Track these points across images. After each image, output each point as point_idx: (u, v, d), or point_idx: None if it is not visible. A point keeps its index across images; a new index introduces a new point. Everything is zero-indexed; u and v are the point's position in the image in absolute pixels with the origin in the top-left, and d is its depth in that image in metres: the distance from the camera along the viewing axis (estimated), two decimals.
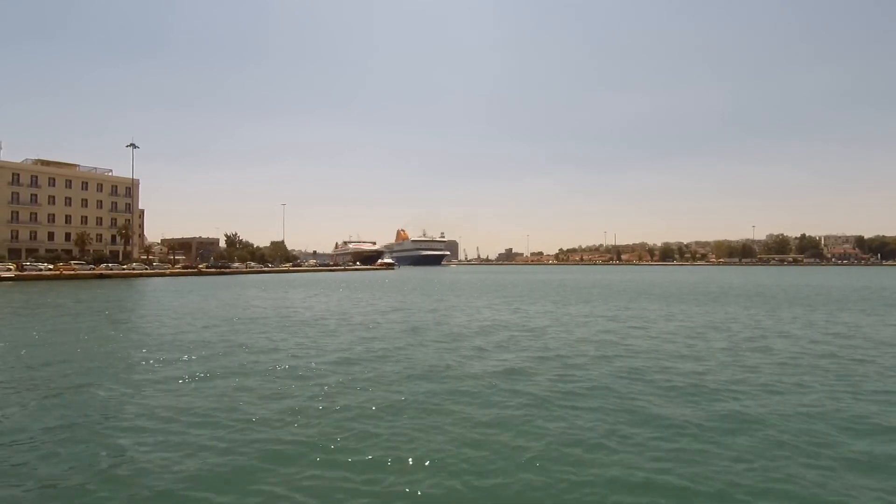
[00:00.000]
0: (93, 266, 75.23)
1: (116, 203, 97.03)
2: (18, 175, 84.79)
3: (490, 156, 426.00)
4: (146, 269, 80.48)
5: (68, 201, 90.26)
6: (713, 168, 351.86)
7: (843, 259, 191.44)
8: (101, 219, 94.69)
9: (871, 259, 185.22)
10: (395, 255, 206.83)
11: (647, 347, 15.54)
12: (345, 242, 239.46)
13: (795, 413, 8.79)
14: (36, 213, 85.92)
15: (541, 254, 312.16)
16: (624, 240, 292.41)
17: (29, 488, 6.08)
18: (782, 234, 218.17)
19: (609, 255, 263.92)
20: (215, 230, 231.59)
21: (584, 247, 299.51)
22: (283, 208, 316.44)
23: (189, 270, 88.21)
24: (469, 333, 18.80)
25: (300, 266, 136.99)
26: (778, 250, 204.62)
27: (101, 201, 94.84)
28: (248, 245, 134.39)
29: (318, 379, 11.45)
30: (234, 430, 8.00)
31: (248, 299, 35.81)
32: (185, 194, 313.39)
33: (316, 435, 7.80)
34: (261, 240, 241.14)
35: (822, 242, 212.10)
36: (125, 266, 78.28)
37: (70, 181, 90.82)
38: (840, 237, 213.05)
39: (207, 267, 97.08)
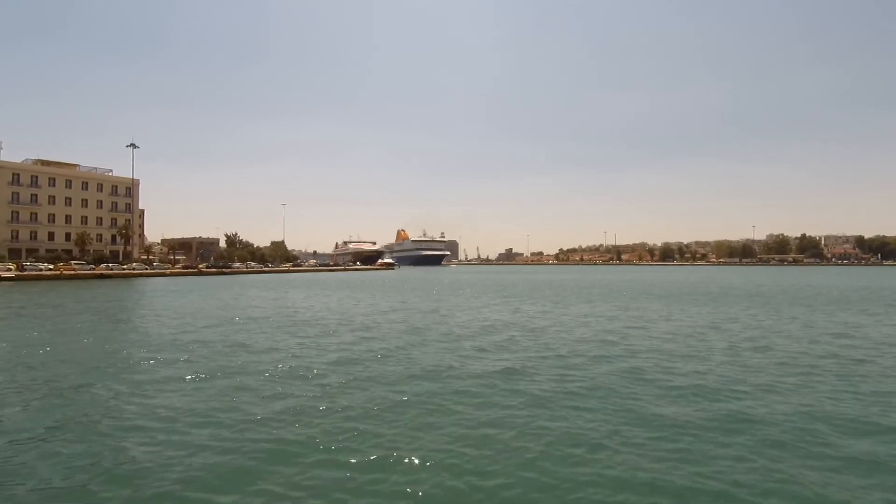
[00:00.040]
0: (93, 266, 75.24)
1: (116, 203, 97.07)
2: (19, 175, 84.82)
3: (490, 156, 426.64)
4: (146, 269, 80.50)
5: (68, 201, 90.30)
6: (713, 168, 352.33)
7: (844, 259, 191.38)
8: (101, 219, 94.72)
9: (872, 259, 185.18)
10: (395, 255, 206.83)
11: (647, 347, 15.54)
12: (345, 242, 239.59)
13: (796, 413, 8.79)
14: (36, 213, 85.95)
15: (541, 254, 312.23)
16: (624, 240, 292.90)
17: (30, 488, 6.07)
18: (782, 234, 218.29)
19: (609, 255, 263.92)
20: (215, 230, 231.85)
21: (584, 247, 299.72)
22: (283, 208, 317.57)
23: (189, 270, 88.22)
24: (469, 333, 18.80)
25: (300, 266, 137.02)
26: (778, 250, 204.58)
27: (101, 201, 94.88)
28: (248, 245, 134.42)
29: (319, 379, 11.45)
30: (235, 430, 7.99)
31: (249, 299, 35.82)
32: (185, 194, 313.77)
33: (317, 434, 7.80)
34: (261, 240, 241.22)
35: (823, 242, 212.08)
36: (125, 266, 78.29)
37: (70, 181, 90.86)
38: (840, 237, 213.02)
39: (208, 267, 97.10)
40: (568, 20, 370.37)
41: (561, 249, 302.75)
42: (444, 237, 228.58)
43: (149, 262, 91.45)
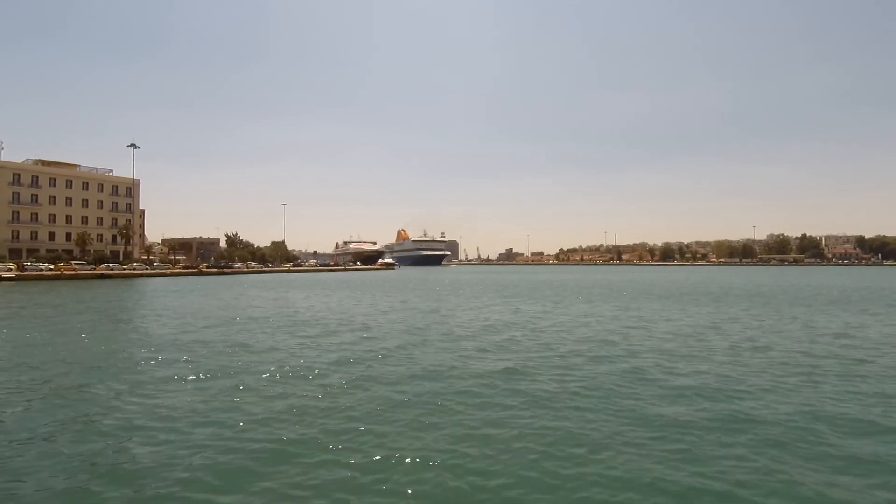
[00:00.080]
0: (93, 266, 75.28)
1: (117, 203, 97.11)
2: (19, 175, 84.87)
3: (490, 156, 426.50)
4: (147, 269, 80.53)
5: (69, 201, 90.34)
6: (713, 168, 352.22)
7: (844, 259, 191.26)
8: (101, 219, 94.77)
9: (872, 259, 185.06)
10: (395, 255, 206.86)
11: (648, 347, 15.53)
12: (345, 242, 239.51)
13: (797, 413, 8.78)
14: (37, 214, 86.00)
15: (541, 254, 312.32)
16: (624, 240, 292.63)
17: (31, 488, 6.07)
18: (783, 234, 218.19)
19: (609, 255, 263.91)
20: (216, 230, 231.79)
21: (584, 247, 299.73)
22: (283, 208, 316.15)
23: (190, 270, 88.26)
24: (470, 333, 18.79)
25: (301, 266, 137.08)
26: (778, 250, 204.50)
27: (101, 201, 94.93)
28: (248, 245, 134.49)
29: (320, 379, 11.45)
30: (236, 430, 7.99)
31: (249, 299, 35.83)
32: (186, 194, 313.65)
33: (318, 434, 7.80)
34: (261, 240, 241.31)
35: (823, 242, 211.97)
36: (126, 266, 78.32)
37: (71, 181, 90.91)
38: (841, 237, 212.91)
39: (208, 267, 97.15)
40: (568, 20, 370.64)
41: (561, 249, 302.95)
42: (444, 237, 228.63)
43: (149, 263, 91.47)
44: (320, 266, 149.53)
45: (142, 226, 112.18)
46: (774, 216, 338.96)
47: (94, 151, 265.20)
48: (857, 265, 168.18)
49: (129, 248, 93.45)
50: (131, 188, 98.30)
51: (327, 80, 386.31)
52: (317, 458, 6.94)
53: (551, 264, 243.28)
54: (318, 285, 57.69)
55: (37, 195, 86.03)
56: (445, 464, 6.73)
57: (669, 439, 7.56)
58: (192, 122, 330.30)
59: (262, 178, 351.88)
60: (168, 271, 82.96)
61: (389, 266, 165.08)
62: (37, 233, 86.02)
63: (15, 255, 78.80)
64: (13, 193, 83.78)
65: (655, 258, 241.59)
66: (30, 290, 43.08)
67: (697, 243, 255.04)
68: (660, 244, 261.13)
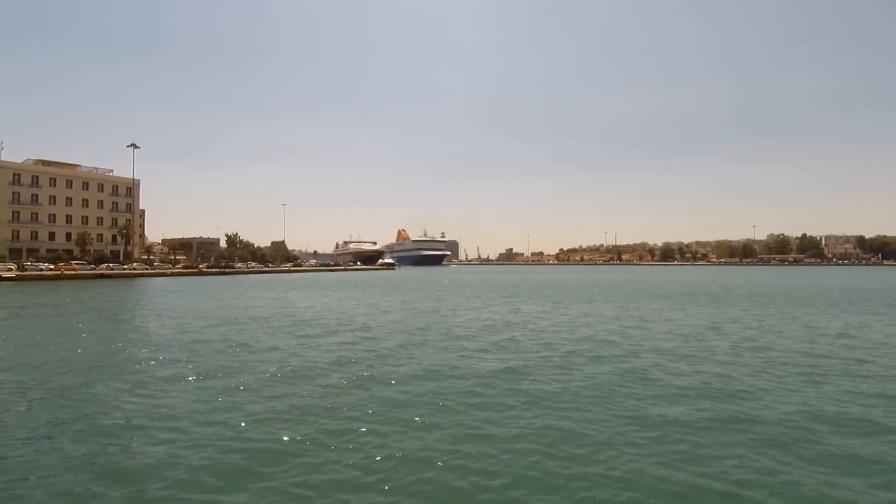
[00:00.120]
0: (94, 266, 75.28)
1: (117, 203, 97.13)
2: (19, 175, 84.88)
3: (490, 156, 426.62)
4: (147, 269, 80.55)
5: (69, 201, 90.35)
6: (713, 168, 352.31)
7: (844, 259, 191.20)
8: (101, 219, 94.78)
9: (872, 259, 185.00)
10: (395, 255, 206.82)
11: (648, 347, 15.53)
12: (345, 242, 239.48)
13: (798, 413, 8.77)
14: (37, 213, 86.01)
15: (541, 254, 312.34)
16: (624, 240, 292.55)
17: (33, 487, 6.07)
18: (783, 234, 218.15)
19: (609, 255, 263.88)
20: (216, 230, 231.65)
21: (584, 247, 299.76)
22: (283, 208, 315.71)
23: (190, 270, 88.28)
24: (470, 333, 18.79)
25: (301, 266, 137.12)
26: (779, 250, 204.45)
27: (101, 201, 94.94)
28: (248, 245, 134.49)
29: (320, 378, 11.45)
30: (236, 430, 7.99)
31: (249, 299, 35.83)
32: (186, 194, 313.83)
33: (318, 434, 7.80)
34: (261, 240, 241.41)
35: (823, 242, 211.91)
36: (126, 266, 78.33)
37: (71, 181, 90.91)
38: (841, 237, 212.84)
39: (209, 267, 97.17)
40: (568, 20, 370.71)
41: (561, 249, 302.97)
42: (444, 237, 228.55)
43: (149, 262, 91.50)
44: (320, 266, 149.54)
45: (142, 226, 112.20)
46: (774, 216, 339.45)
47: (94, 151, 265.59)
48: (858, 265, 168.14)
49: (130, 248, 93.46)
50: (131, 188, 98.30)
51: (327, 80, 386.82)
52: (317, 457, 6.94)
53: (551, 264, 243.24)
54: (319, 285, 57.69)
55: (37, 195, 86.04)
56: (446, 464, 6.72)
57: (670, 439, 7.56)
58: (192, 122, 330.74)
59: (262, 178, 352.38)
60: (168, 271, 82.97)
61: (389, 266, 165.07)
62: (37, 233, 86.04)
63: (15, 254, 78.81)
64: (13, 193, 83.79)
65: (655, 258, 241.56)
66: (30, 290, 43.08)
67: (697, 243, 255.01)
68: (660, 244, 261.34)
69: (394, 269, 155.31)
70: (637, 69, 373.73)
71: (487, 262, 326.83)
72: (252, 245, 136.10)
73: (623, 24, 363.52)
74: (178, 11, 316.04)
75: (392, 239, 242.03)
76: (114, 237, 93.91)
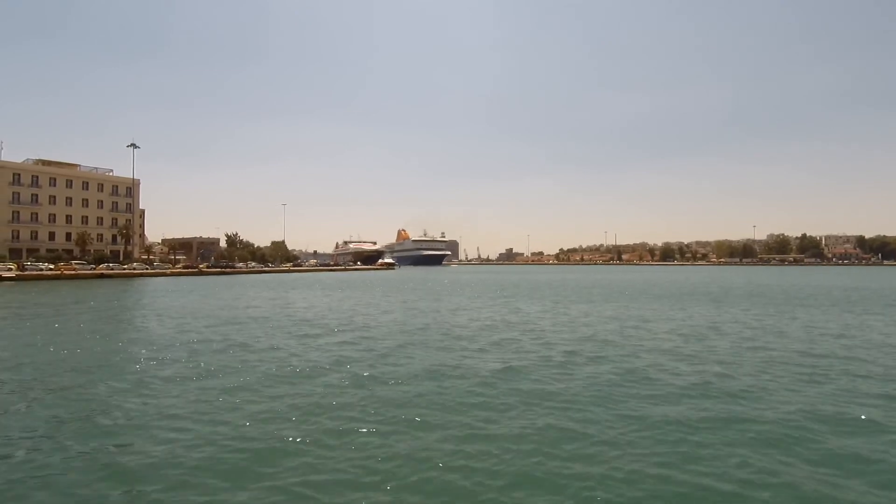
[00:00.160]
0: (94, 266, 75.31)
1: (117, 203, 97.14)
2: (19, 175, 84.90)
3: (490, 156, 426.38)
4: (147, 268, 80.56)
5: (69, 201, 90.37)
6: (713, 168, 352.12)
7: (844, 259, 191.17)
8: (101, 219, 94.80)
9: (872, 259, 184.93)
10: (395, 254, 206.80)
11: (649, 347, 15.53)
12: (345, 242, 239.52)
13: (799, 413, 8.77)
14: (37, 213, 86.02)
15: (541, 254, 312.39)
16: (624, 240, 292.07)
17: (34, 485, 6.07)
18: (783, 234, 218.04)
19: (609, 255, 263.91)
20: (216, 230, 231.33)
21: (584, 247, 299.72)
22: (283, 208, 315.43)
23: (190, 270, 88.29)
24: (470, 333, 18.79)
25: (301, 266, 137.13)
26: (779, 250, 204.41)
27: (101, 201, 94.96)
28: (248, 245, 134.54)
29: (320, 378, 11.45)
30: (237, 428, 7.99)
31: (249, 299, 35.83)
32: (186, 194, 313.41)
33: (319, 433, 7.80)
34: (261, 240, 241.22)
35: (823, 242, 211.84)
36: (126, 266, 78.35)
37: (71, 181, 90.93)
38: (841, 237, 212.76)
39: (209, 267, 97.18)
40: (568, 20, 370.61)
41: (561, 249, 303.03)
42: (444, 237, 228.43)
43: (149, 262, 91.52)
44: (320, 266, 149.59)
45: (142, 226, 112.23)
46: (774, 216, 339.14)
47: (94, 151, 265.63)
48: (858, 265, 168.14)
49: (130, 248, 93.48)
50: (131, 188, 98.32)
51: (327, 80, 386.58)
52: (318, 457, 6.94)
53: (551, 264, 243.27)
54: (319, 285, 57.70)
55: (37, 195, 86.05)
56: (447, 464, 6.72)
57: (671, 439, 7.55)
58: (192, 122, 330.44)
59: (262, 178, 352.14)
60: (168, 271, 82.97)
61: (389, 266, 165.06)
62: (37, 232, 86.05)
63: (15, 254, 78.84)
64: (13, 193, 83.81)
65: (655, 258, 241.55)
66: (30, 290, 43.08)
67: (697, 243, 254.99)
68: (660, 244, 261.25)
69: (394, 269, 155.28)
70: (637, 69, 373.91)
71: (487, 262, 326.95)
72: (252, 245, 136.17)
73: (623, 24, 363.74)
74: (178, 11, 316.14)
75: (392, 239, 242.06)
76: (114, 237, 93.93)
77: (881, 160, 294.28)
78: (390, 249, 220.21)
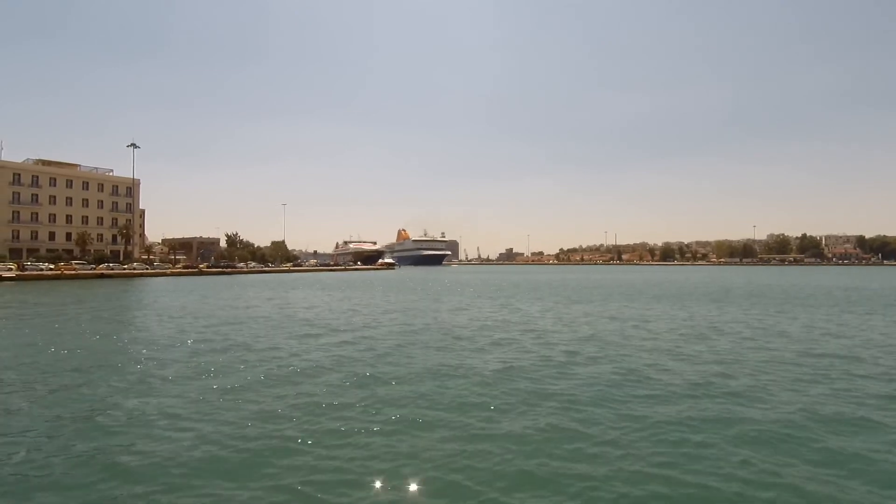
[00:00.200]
0: (94, 266, 75.31)
1: (117, 203, 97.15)
2: (19, 175, 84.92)
3: (490, 156, 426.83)
4: (147, 268, 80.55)
5: (69, 201, 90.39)
6: (713, 168, 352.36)
7: (844, 259, 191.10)
8: (101, 219, 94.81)
9: (872, 259, 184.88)
10: (395, 254, 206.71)
11: (649, 347, 15.52)
12: (345, 242, 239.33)
13: (800, 413, 8.78)
14: (37, 213, 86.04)
15: (541, 254, 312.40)
16: (624, 240, 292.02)
17: (35, 484, 6.08)
18: (783, 234, 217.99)
19: (610, 255, 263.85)
20: (216, 230, 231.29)
21: (584, 247, 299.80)
22: (283, 208, 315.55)
23: (190, 270, 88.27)
24: (470, 333, 18.79)
25: (301, 266, 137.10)
26: (779, 250, 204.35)
27: (101, 201, 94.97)
28: (248, 245, 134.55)
29: (321, 378, 11.45)
30: (238, 428, 7.99)
31: (249, 299, 35.83)
32: (186, 194, 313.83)
33: (319, 432, 7.80)
34: (261, 240, 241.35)
35: (823, 242, 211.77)
36: (126, 266, 78.35)
37: (71, 181, 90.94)
38: (841, 237, 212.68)
39: (209, 267, 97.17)
40: (568, 20, 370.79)
41: (561, 249, 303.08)
42: (444, 237, 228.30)
43: (149, 262, 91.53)
44: (320, 266, 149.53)
45: (142, 226, 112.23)
46: (774, 216, 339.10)
47: (94, 151, 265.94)
48: (858, 265, 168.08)
49: (130, 248, 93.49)
50: (131, 188, 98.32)
51: (327, 80, 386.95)
52: (318, 456, 6.94)
53: (551, 264, 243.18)
54: (319, 285, 57.70)
55: (37, 195, 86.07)
56: (447, 463, 6.72)
57: (672, 440, 7.55)
58: (192, 122, 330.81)
59: (262, 178, 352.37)
60: (168, 271, 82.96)
61: (390, 266, 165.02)
62: (37, 232, 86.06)
63: (15, 254, 78.85)
64: (13, 193, 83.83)
65: (656, 258, 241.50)
66: (30, 290, 43.09)
67: (697, 243, 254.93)
68: (660, 244, 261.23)
69: (394, 268, 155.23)
70: (637, 69, 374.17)
71: (487, 261, 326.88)
72: (252, 245, 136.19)
73: (623, 24, 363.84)
74: (178, 11, 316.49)
75: (392, 239, 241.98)
76: (114, 237, 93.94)
77: (881, 160, 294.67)
78: (390, 249, 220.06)
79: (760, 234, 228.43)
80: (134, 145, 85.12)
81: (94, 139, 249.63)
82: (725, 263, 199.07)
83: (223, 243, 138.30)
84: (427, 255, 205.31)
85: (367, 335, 18.24)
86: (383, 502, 5.76)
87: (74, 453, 7.09)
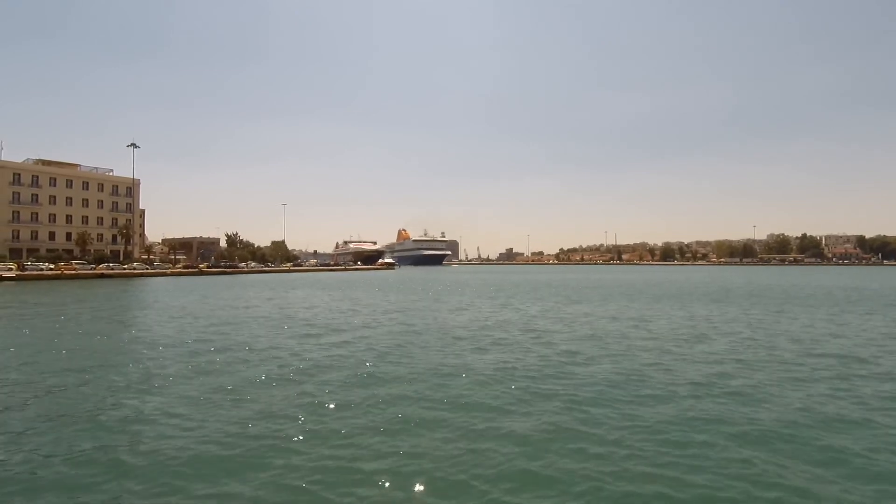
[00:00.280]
0: (94, 266, 75.33)
1: (117, 203, 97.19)
2: (19, 175, 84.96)
3: (490, 156, 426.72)
4: (147, 268, 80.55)
5: (69, 201, 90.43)
6: (713, 168, 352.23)
7: (844, 259, 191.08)
8: (101, 218, 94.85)
9: (873, 259, 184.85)
10: (396, 254, 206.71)
11: (649, 347, 15.51)
12: (345, 242, 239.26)
13: (801, 413, 8.77)
14: (37, 213, 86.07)
15: (541, 254, 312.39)
16: (624, 240, 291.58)
17: (36, 482, 6.08)
18: (783, 234, 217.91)
19: (610, 255, 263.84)
20: (216, 230, 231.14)
21: (584, 247, 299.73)
22: (283, 208, 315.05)
23: (190, 270, 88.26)
24: (470, 333, 18.78)
25: (301, 266, 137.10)
26: (779, 250, 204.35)
27: (101, 201, 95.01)
28: (248, 245, 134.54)
29: (321, 377, 11.44)
30: (239, 426, 7.98)
31: (249, 299, 35.83)
32: (186, 194, 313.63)
33: (319, 431, 7.79)
34: (261, 240, 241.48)
35: (823, 242, 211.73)
36: (126, 266, 78.37)
37: (71, 181, 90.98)
38: (841, 237, 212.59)
39: (209, 266, 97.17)
40: (568, 20, 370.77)
41: (561, 249, 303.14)
42: (444, 237, 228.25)
43: (149, 262, 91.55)
44: (320, 266, 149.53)
45: (142, 225, 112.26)
46: (774, 216, 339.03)
47: (94, 151, 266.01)
48: (858, 265, 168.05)
49: (130, 248, 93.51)
50: (131, 188, 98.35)
51: (327, 80, 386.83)
52: (318, 454, 6.93)
53: (551, 264, 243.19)
54: (319, 285, 57.70)
55: (37, 195, 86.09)
56: (447, 463, 6.71)
57: (674, 440, 7.54)
58: (192, 122, 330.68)
59: (262, 178, 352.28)
60: (168, 271, 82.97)
61: (390, 266, 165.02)
62: (37, 232, 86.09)
63: (15, 254, 78.88)
64: (13, 193, 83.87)
65: (656, 258, 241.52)
66: (30, 290, 43.09)
67: (698, 243, 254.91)
68: (660, 244, 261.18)
69: (394, 268, 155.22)
70: (637, 69, 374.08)
71: (488, 261, 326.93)
72: (252, 245, 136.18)
73: (623, 24, 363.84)
74: (178, 11, 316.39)
75: (392, 239, 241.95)
76: (114, 237, 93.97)
77: (881, 160, 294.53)
78: (390, 249, 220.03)
79: (760, 234, 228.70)
80: (134, 145, 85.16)
81: (94, 139, 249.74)
82: (725, 263, 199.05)
83: (223, 243, 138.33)
84: (427, 255, 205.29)
85: (367, 335, 18.23)
86: (385, 502, 5.75)
87: (76, 453, 7.08)
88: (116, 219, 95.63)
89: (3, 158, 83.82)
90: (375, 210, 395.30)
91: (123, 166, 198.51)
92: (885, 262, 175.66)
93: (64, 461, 6.81)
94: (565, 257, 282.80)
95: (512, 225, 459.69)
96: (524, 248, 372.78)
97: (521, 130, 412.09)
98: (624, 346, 15.58)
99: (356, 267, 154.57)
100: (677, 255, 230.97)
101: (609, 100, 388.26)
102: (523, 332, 18.79)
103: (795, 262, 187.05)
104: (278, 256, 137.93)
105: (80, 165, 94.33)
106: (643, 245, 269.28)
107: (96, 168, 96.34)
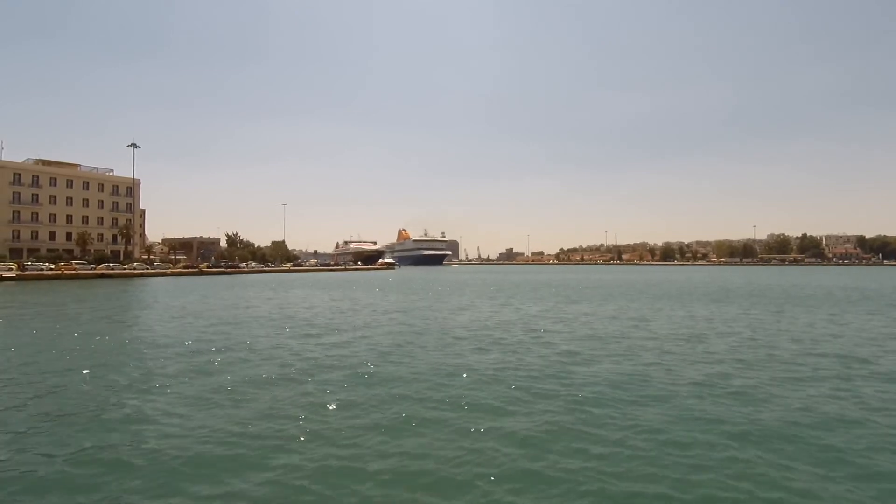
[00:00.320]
0: (94, 266, 75.37)
1: (117, 203, 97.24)
2: (20, 175, 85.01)
3: (490, 156, 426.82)
4: (147, 268, 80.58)
5: (69, 201, 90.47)
6: (713, 168, 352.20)
7: (845, 259, 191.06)
8: (102, 218, 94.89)
9: (873, 259, 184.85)
10: (396, 254, 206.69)
11: (650, 347, 15.50)
12: (345, 242, 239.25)
13: (801, 414, 8.76)
14: (37, 213, 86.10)
15: (541, 254, 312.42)
16: (624, 240, 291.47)
17: (37, 481, 6.07)
18: (783, 234, 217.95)
19: (610, 255, 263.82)
20: (216, 230, 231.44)
21: (584, 246, 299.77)
22: (283, 208, 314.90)
23: (190, 270, 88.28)
24: (471, 333, 18.77)
25: (301, 266, 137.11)
26: (779, 250, 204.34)
27: (102, 201, 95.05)
28: (248, 245, 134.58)
29: (321, 376, 11.43)
30: (240, 426, 7.98)
31: (250, 299, 35.83)
32: (186, 194, 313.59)
33: (319, 431, 7.78)
34: (261, 240, 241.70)
35: (824, 242, 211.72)
36: (126, 266, 78.40)
37: (71, 181, 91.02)
38: (841, 237, 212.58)
39: (209, 266, 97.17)
40: (568, 20, 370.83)
41: (561, 249, 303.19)
42: (444, 237, 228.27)
43: (150, 262, 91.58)
44: (321, 266, 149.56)
45: (142, 225, 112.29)
46: (774, 216, 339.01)
47: (95, 151, 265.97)
48: (858, 265, 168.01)
49: (130, 248, 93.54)
50: (132, 188, 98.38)
51: (327, 80, 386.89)
52: (320, 454, 6.93)
53: (552, 264, 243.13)
54: (319, 285, 57.70)
55: (37, 195, 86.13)
56: (447, 463, 6.71)
57: (675, 440, 7.54)
58: (192, 122, 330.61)
59: (262, 178, 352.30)
60: (168, 271, 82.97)
61: (390, 266, 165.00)
62: (37, 232, 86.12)
63: (15, 254, 78.91)
64: (14, 193, 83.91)
65: (656, 258, 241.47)
66: (30, 290, 43.09)
67: (698, 243, 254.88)
68: (660, 244, 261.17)
69: (394, 268, 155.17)
70: (637, 69, 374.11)
71: (488, 261, 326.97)
72: (252, 245, 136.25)
73: (623, 24, 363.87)
74: (178, 11, 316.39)
75: (392, 239, 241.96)
76: (114, 237, 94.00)
77: (881, 160, 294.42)
78: (391, 249, 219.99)
79: (760, 234, 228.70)
80: (134, 145, 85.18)
81: (94, 139, 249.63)
82: (726, 263, 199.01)
83: (223, 243, 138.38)
84: (427, 255, 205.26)
85: (367, 335, 18.23)
86: (387, 502, 5.75)
87: (77, 452, 7.07)
88: (116, 219, 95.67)
89: (3, 158, 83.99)
90: (375, 210, 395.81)
91: (123, 166, 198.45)
92: (885, 262, 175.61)
93: (65, 461, 6.80)
94: (565, 257, 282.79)
95: (512, 225, 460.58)
96: (524, 248, 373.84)
97: (521, 130, 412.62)
98: (624, 347, 15.57)
99: (356, 267, 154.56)
100: (677, 255, 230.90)
101: (609, 100, 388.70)
102: (524, 332, 18.78)
103: (795, 262, 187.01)
104: (278, 256, 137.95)
105: (80, 165, 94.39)
106: (643, 245, 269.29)
107: (96, 168, 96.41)
